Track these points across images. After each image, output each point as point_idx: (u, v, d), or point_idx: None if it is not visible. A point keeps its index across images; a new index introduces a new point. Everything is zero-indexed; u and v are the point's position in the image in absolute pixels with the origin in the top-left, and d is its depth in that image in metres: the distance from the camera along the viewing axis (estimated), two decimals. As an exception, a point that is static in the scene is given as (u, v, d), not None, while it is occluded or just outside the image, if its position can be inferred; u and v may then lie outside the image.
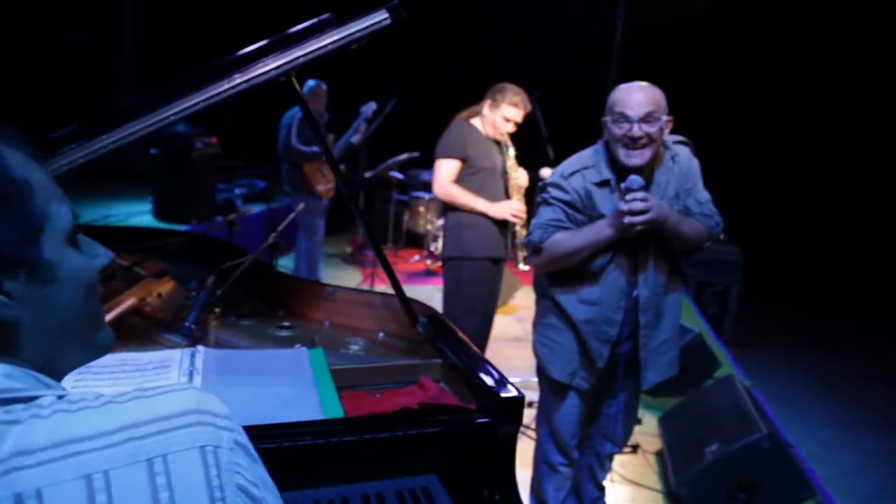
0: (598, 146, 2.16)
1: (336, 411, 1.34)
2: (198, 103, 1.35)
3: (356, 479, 1.30)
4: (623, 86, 2.08)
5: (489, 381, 1.39)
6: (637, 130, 1.97)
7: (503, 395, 1.34)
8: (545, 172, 3.49)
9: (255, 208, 6.22)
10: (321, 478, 1.27)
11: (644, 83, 2.07)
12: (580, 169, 2.12)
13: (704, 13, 7.69)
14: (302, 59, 1.39)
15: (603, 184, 2.10)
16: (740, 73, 7.78)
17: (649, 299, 2.15)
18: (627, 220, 1.94)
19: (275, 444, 1.19)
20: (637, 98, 2.00)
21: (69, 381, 1.23)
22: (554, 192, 2.14)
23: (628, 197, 1.95)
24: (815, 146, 7.80)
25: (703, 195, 2.23)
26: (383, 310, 1.95)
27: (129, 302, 1.89)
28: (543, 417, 2.38)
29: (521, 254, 3.41)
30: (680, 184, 2.17)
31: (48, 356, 0.63)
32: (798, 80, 7.69)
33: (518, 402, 1.33)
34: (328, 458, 1.26)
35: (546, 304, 2.28)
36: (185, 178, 5.53)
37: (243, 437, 0.62)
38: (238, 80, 1.39)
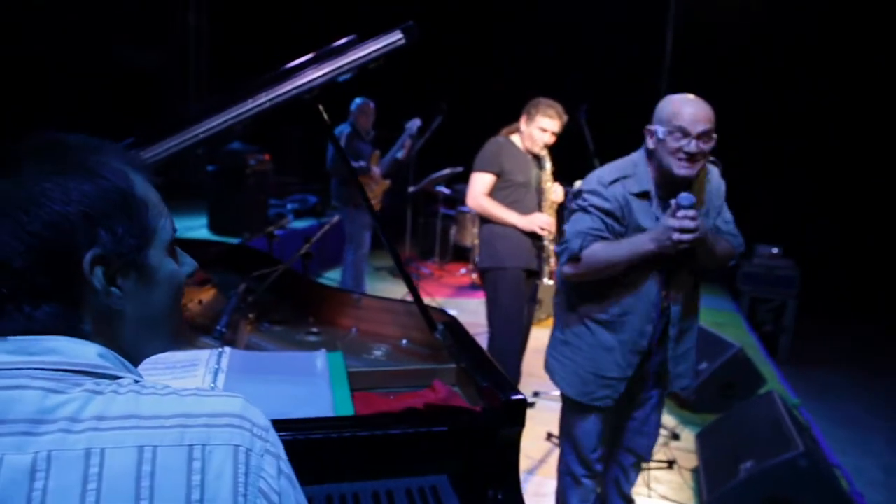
0: (639, 156, 2.11)
1: (346, 410, 1.42)
2: (226, 121, 1.46)
3: (367, 477, 1.37)
4: (677, 97, 2.04)
5: (494, 383, 1.44)
6: (694, 147, 1.95)
7: (506, 397, 1.38)
8: (579, 185, 3.51)
9: (305, 223, 6.43)
10: (333, 474, 1.34)
11: (696, 97, 2.04)
12: (620, 178, 2.07)
13: (757, 23, 7.52)
14: (320, 80, 1.49)
15: (642, 195, 2.07)
16: (795, 83, 7.56)
17: (678, 313, 2.17)
18: (676, 236, 1.92)
19: (288, 436, 1.27)
20: (696, 113, 1.97)
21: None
22: (593, 199, 2.08)
23: (680, 214, 1.92)
24: (874, 155, 7.48)
25: (729, 215, 2.25)
26: (407, 318, 2.03)
27: (170, 307, 2.02)
28: (566, 430, 2.37)
29: (548, 268, 3.44)
30: (713, 201, 2.19)
31: (135, 343, 0.76)
32: (854, 89, 7.41)
33: (520, 405, 1.38)
34: (337, 455, 1.33)
35: (566, 319, 2.25)
36: (238, 194, 5.77)
37: (277, 449, 0.71)
38: (263, 100, 1.50)
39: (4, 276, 0.66)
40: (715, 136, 2.01)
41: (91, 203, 0.69)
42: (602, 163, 5.42)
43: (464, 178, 6.77)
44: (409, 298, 1.84)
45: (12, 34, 5.46)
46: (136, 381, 0.70)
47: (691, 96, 2.04)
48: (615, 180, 2.07)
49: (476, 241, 6.83)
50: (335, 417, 1.38)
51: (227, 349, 1.59)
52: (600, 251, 2.04)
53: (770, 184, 7.56)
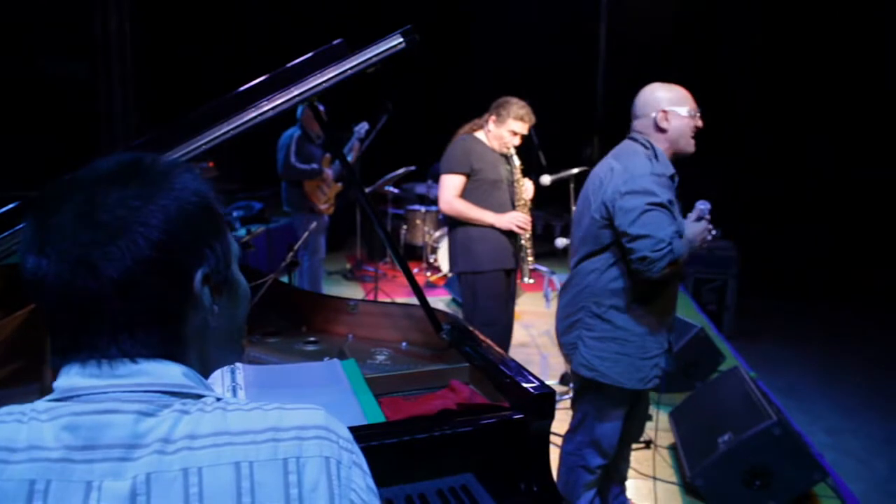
0: (648, 145, 2.19)
1: (377, 416, 1.40)
2: (228, 132, 1.42)
3: (398, 481, 1.37)
4: (664, 84, 2.22)
5: (521, 379, 1.46)
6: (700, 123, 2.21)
7: (535, 391, 1.40)
8: (545, 180, 3.56)
9: (255, 229, 6.27)
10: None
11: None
12: (660, 173, 2.12)
13: (685, 14, 7.84)
14: (324, 85, 1.47)
15: (672, 177, 2.18)
16: (724, 70, 7.93)
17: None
18: (709, 237, 2.14)
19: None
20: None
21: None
22: (660, 191, 2.07)
23: (707, 216, 2.14)
24: (803, 137, 7.95)
25: None
26: (403, 320, 2.02)
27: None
28: (588, 425, 2.37)
29: (527, 267, 3.45)
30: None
31: (215, 357, 0.76)
32: (785, 74, 7.84)
33: (550, 397, 1.40)
34: (373, 461, 1.32)
35: (605, 316, 2.24)
36: (184, 204, 5.55)
37: (362, 461, 0.72)
38: (266, 107, 1.46)
39: (122, 301, 0.65)
40: None
41: (194, 222, 0.69)
42: (547, 157, 5.52)
43: (412, 177, 6.80)
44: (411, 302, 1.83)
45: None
46: (218, 399, 0.69)
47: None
48: (664, 174, 2.14)
49: (427, 240, 6.86)
50: (371, 425, 1.36)
51: (239, 365, 1.54)
52: (682, 251, 2.09)
53: (709, 168, 7.91)
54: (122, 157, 0.71)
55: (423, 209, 7.01)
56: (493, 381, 1.55)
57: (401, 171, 6.05)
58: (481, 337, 1.75)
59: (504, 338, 3.59)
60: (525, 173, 3.61)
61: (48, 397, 0.66)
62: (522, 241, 3.39)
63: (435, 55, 8.51)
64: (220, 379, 1.47)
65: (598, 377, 2.25)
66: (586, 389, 2.36)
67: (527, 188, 3.47)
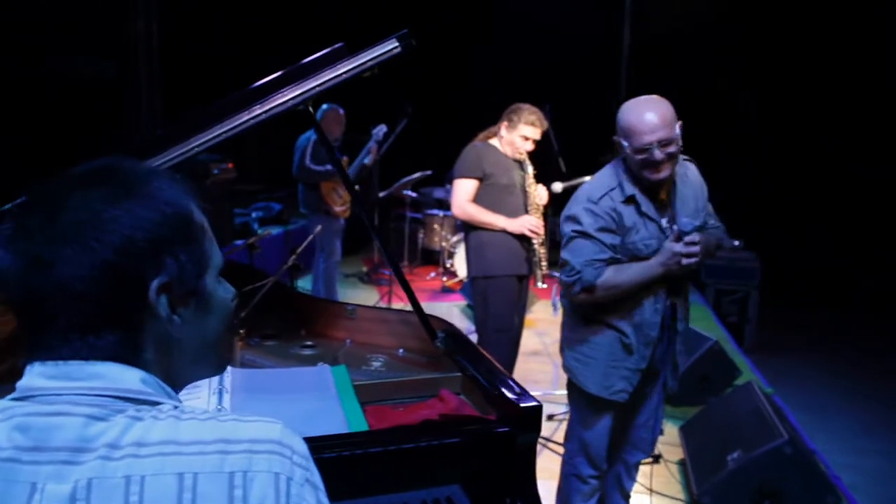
0: (616, 165, 2.18)
1: (360, 425, 1.39)
2: (220, 135, 1.42)
3: (382, 490, 1.34)
4: (632, 106, 2.08)
5: (508, 391, 1.43)
6: (659, 155, 2.01)
7: (522, 404, 1.37)
8: (557, 187, 3.53)
9: (272, 231, 6.32)
10: (349, 490, 1.31)
11: (651, 98, 2.09)
12: (607, 192, 2.12)
13: (710, 17, 7.73)
14: (318, 89, 1.46)
15: (629, 200, 2.13)
16: (752, 77, 7.79)
17: (682, 306, 2.27)
18: (685, 261, 2.02)
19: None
20: (651, 122, 2.01)
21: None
22: (587, 220, 2.10)
23: (687, 239, 2.03)
24: (829, 147, 7.77)
25: (711, 208, 2.37)
26: (402, 326, 2.01)
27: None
28: (575, 432, 2.37)
29: (540, 272, 3.43)
30: (698, 198, 2.27)
31: (185, 369, 0.75)
32: (813, 82, 7.67)
33: (536, 411, 1.37)
34: (354, 470, 1.30)
35: (578, 318, 2.27)
36: (202, 204, 5.62)
37: (316, 479, 0.69)
38: (258, 111, 1.46)
39: (73, 303, 0.65)
40: (678, 134, 2.05)
41: (159, 230, 0.68)
42: (567, 163, 5.49)
43: (431, 181, 6.80)
44: (384, 305, 1.81)
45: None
46: (176, 407, 0.68)
47: (645, 100, 2.08)
48: (603, 195, 2.13)
49: (444, 245, 6.85)
50: (351, 434, 1.34)
51: (229, 368, 1.54)
52: (612, 278, 2.09)
53: (730, 177, 7.78)
54: (102, 161, 0.72)
55: (441, 214, 6.99)
56: (482, 392, 1.53)
57: (416, 175, 6.05)
58: (476, 346, 1.73)
59: (514, 344, 3.56)
60: (545, 179, 3.59)
61: (9, 396, 0.67)
62: (535, 246, 3.38)
63: (456, 59, 8.51)
64: (207, 382, 1.47)
65: (572, 377, 2.29)
66: (570, 392, 2.38)
67: (540, 194, 3.47)
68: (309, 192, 5.04)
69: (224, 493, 0.62)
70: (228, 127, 1.42)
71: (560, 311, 2.44)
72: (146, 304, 0.68)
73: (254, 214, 6.73)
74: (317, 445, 1.28)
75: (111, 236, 0.66)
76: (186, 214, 0.72)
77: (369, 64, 1.50)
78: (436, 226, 6.98)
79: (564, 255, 2.16)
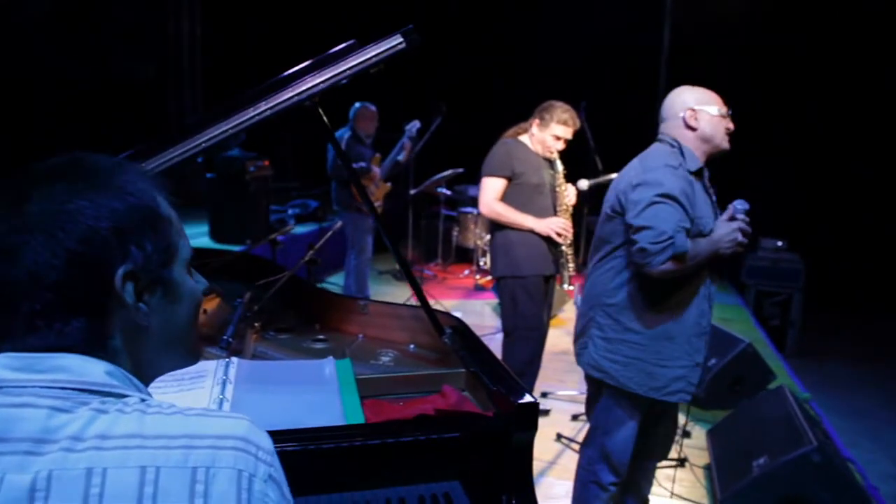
0: (673, 144, 2.15)
1: (357, 418, 1.40)
2: (224, 131, 1.44)
3: (379, 484, 1.35)
4: (696, 87, 2.19)
5: (505, 388, 1.42)
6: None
7: (518, 401, 1.36)
8: (583, 184, 3.48)
9: (306, 228, 6.42)
10: (345, 483, 1.32)
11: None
12: (678, 165, 2.08)
13: (756, 14, 7.50)
14: (321, 86, 1.48)
15: (698, 173, 2.13)
16: (798, 75, 7.54)
17: (714, 297, 2.22)
18: (740, 238, 2.01)
19: (300, 447, 1.26)
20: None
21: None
22: (671, 183, 2.00)
23: (740, 217, 2.02)
24: (880, 146, 7.46)
25: None
26: (413, 322, 2.01)
27: (175, 318, 2.01)
28: (598, 438, 2.29)
29: (567, 273, 3.39)
30: None
31: (155, 359, 0.77)
32: (860, 78, 7.38)
33: (532, 409, 1.36)
34: (349, 463, 1.31)
35: (615, 316, 2.18)
36: (239, 201, 5.75)
37: (279, 475, 0.70)
38: (263, 108, 1.48)
39: (38, 292, 0.66)
40: None
41: (122, 220, 0.70)
42: (603, 160, 5.38)
43: (464, 180, 6.80)
44: (415, 302, 1.82)
45: (6, 48, 5.47)
46: (143, 400, 0.69)
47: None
48: (678, 165, 2.09)
49: (479, 243, 6.84)
50: (347, 426, 1.36)
51: (235, 360, 1.57)
52: (692, 249, 2.00)
53: (774, 176, 7.54)
54: (69, 155, 0.73)
55: (475, 212, 6.98)
56: (484, 389, 1.52)
57: (448, 172, 6.05)
58: (482, 343, 1.72)
59: (541, 343, 3.54)
60: (580, 176, 3.55)
61: None
62: (563, 248, 3.34)
63: (494, 56, 8.48)
64: (212, 372, 1.50)
65: (605, 378, 2.19)
66: (595, 395, 2.30)
67: (569, 194, 3.42)
68: (341, 189, 5.10)
69: (186, 488, 0.62)
70: (233, 124, 1.44)
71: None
72: (112, 292, 0.69)
73: (290, 212, 6.85)
74: (313, 436, 1.30)
75: (75, 226, 0.67)
76: (152, 205, 0.74)
77: (373, 60, 1.51)
78: (470, 224, 6.97)
79: (643, 221, 1.98)
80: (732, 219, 2.03)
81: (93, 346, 0.69)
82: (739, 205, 2.04)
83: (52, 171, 0.71)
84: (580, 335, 2.30)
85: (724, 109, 2.15)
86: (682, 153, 2.12)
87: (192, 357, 0.83)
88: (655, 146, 2.19)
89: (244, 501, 0.64)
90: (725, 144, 2.16)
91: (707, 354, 2.24)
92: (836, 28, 7.26)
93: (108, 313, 0.70)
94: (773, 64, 7.53)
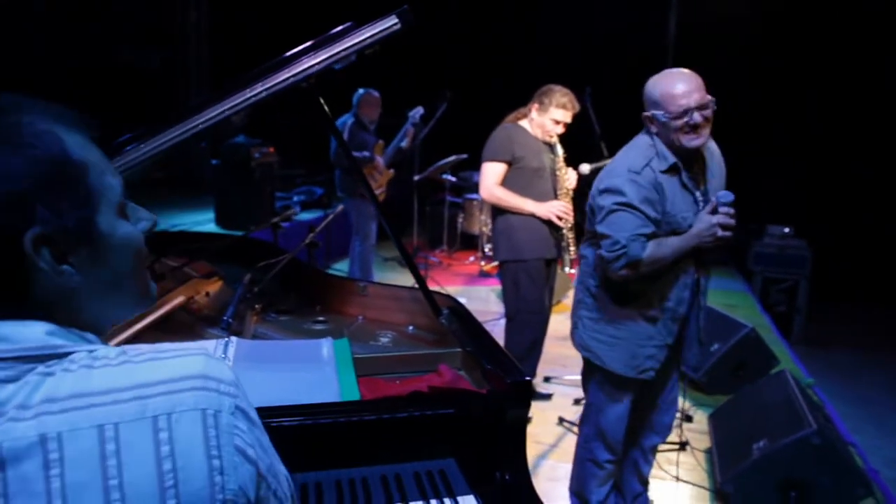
0: (649, 137, 2.13)
1: (353, 395, 1.42)
2: (221, 112, 1.46)
3: (375, 461, 1.37)
4: (661, 76, 2.08)
5: (499, 367, 1.43)
6: (698, 118, 2.01)
7: (511, 379, 1.38)
8: (584, 168, 3.47)
9: (312, 214, 6.44)
10: (343, 460, 1.34)
11: (677, 69, 2.09)
12: (648, 162, 2.08)
13: (758, 2, 7.43)
14: (315, 68, 1.48)
15: (671, 170, 2.09)
16: (804, 62, 7.47)
17: (706, 282, 2.23)
18: (721, 233, 1.99)
19: (296, 421, 1.28)
20: (688, 87, 2.01)
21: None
22: (630, 191, 2.04)
23: (722, 210, 1.99)
24: (889, 134, 7.38)
25: None
26: (412, 304, 2.03)
27: (177, 300, 2.04)
28: (592, 416, 2.35)
29: (569, 257, 3.40)
30: (722, 175, 2.24)
31: (99, 314, 0.71)
32: (872, 67, 7.30)
33: (526, 386, 1.37)
34: (346, 439, 1.33)
35: (597, 295, 2.24)
36: (244, 187, 5.79)
37: (245, 403, 0.67)
38: (259, 89, 1.49)
39: None
40: (712, 99, 2.04)
41: (21, 178, 0.61)
42: (608, 146, 5.41)
43: (469, 166, 6.80)
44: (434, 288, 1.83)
45: (15, 36, 5.49)
46: (90, 353, 0.64)
47: (673, 70, 2.09)
48: (645, 166, 2.07)
49: (484, 229, 6.84)
50: (342, 402, 1.38)
51: (234, 339, 1.59)
52: (655, 252, 2.06)
53: (781, 163, 7.49)
54: None
55: (480, 198, 6.97)
56: (479, 368, 1.54)
57: (451, 158, 6.04)
58: (479, 323, 1.73)
59: (544, 327, 3.55)
60: (585, 161, 3.54)
61: None
62: (564, 231, 3.35)
63: (498, 42, 8.44)
64: (211, 351, 1.52)
65: (592, 358, 2.26)
66: (587, 374, 2.36)
67: (570, 177, 3.42)
68: (345, 176, 5.11)
69: (149, 439, 0.60)
70: (229, 105, 1.45)
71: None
72: (24, 259, 0.63)
73: (295, 198, 6.88)
74: (310, 412, 1.32)
75: None
76: (59, 154, 0.64)
77: (369, 41, 1.52)
78: (475, 210, 6.98)
79: (603, 229, 2.08)
80: (715, 211, 2.02)
81: (22, 315, 0.64)
82: (723, 197, 2.01)
83: None
84: (572, 314, 2.36)
85: (677, 108, 2.01)
86: (661, 147, 2.09)
87: (142, 302, 0.76)
88: (637, 139, 2.17)
89: (213, 439, 0.62)
90: (686, 144, 2.04)
91: (689, 337, 2.25)
92: (846, 14, 7.18)
93: (29, 281, 0.64)
94: (783, 49, 7.46)
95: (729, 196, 2.00)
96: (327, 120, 1.66)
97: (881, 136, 7.41)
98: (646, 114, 2.10)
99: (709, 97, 2.03)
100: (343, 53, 1.49)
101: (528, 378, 1.38)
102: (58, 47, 5.92)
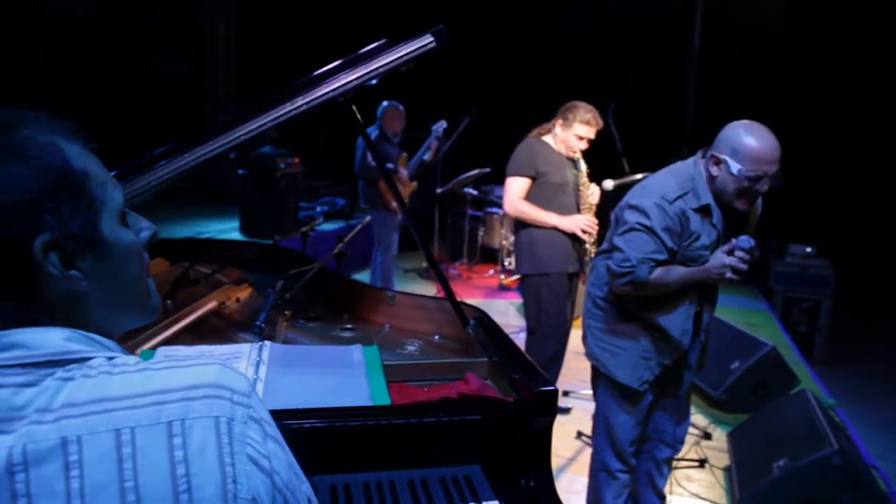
0: (695, 170, 2.13)
1: (384, 400, 1.46)
2: (262, 125, 1.52)
3: (403, 466, 1.41)
4: (753, 130, 2.03)
5: (526, 375, 1.47)
6: (765, 187, 2.02)
7: (538, 388, 1.41)
8: (608, 184, 3.51)
9: (334, 225, 6.52)
10: (371, 463, 1.39)
11: (770, 132, 2.04)
12: (682, 194, 2.10)
13: (786, 17, 7.42)
14: (354, 83, 1.55)
15: (702, 210, 2.10)
16: (829, 79, 7.44)
17: (709, 320, 2.30)
18: (729, 275, 2.01)
19: (327, 423, 1.32)
20: (774, 155, 2.00)
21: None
22: (655, 216, 2.07)
23: (737, 254, 2.01)
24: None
25: None
26: (439, 314, 2.07)
27: (210, 305, 2.10)
28: (602, 425, 2.40)
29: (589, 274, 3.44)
30: (754, 222, 2.32)
31: (106, 320, 0.74)
32: (892, 82, 7.26)
33: (552, 395, 1.41)
34: (375, 442, 1.38)
35: (605, 308, 2.31)
36: (269, 197, 5.88)
37: (258, 413, 0.69)
38: (300, 103, 1.55)
39: None
40: None
41: (28, 187, 0.65)
42: (630, 163, 5.42)
43: (491, 179, 6.85)
44: (441, 296, 1.87)
45: (44, 49, 5.66)
46: (110, 359, 0.67)
47: (766, 132, 2.03)
48: (679, 197, 2.09)
49: (504, 243, 6.88)
50: (371, 406, 1.42)
51: (268, 343, 1.64)
52: (661, 277, 2.10)
53: (803, 182, 7.45)
54: None
55: (501, 212, 7.02)
56: (505, 377, 1.57)
57: (474, 172, 6.10)
58: (505, 334, 1.77)
59: (564, 341, 3.58)
60: (608, 177, 3.58)
61: None
62: (587, 245, 3.39)
63: (522, 57, 8.51)
64: (246, 354, 1.58)
65: (599, 367, 2.33)
66: (595, 382, 2.42)
67: (593, 192, 3.46)
68: (369, 187, 5.18)
69: (164, 444, 0.62)
70: (270, 118, 1.52)
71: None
72: (34, 266, 0.66)
73: (318, 209, 6.97)
74: (342, 415, 1.37)
75: None
76: (61, 164, 0.67)
77: (405, 58, 1.58)
78: (496, 224, 7.01)
79: (620, 242, 2.13)
80: (731, 253, 2.03)
81: (36, 321, 0.66)
82: (743, 242, 2.02)
83: None
84: (583, 323, 2.44)
85: (750, 170, 1.99)
86: (694, 186, 2.10)
87: (150, 310, 0.79)
88: (680, 167, 2.18)
89: (226, 446, 0.64)
90: (737, 205, 2.07)
91: (682, 360, 2.30)
92: (878, 25, 7.15)
93: (40, 287, 0.67)
94: (806, 68, 7.44)
95: (749, 242, 2.00)
96: (360, 129, 1.72)
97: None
98: (716, 154, 2.07)
99: None
100: (381, 70, 1.55)
101: (555, 388, 1.41)
102: (90, 56, 6.09)
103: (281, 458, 0.69)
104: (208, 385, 0.67)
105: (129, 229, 0.76)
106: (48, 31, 5.69)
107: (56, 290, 0.68)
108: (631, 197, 2.18)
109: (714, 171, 2.08)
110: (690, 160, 2.18)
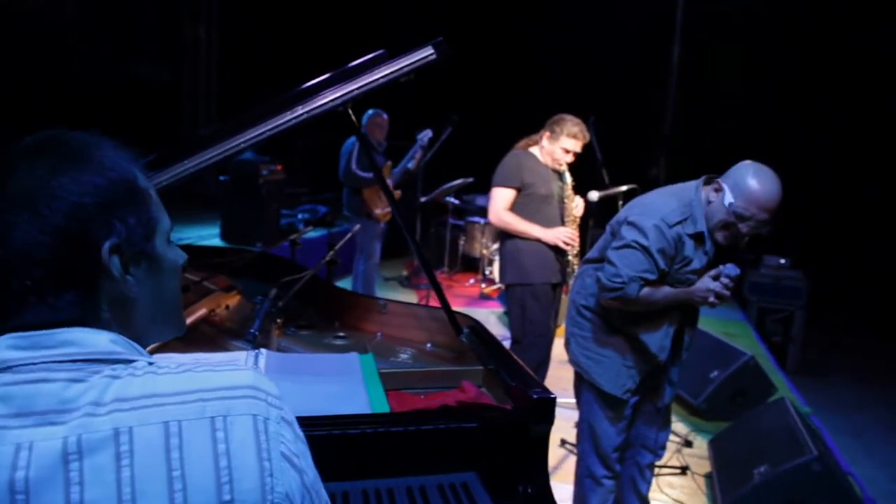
0: (697, 195, 2.16)
1: (382, 407, 1.47)
2: (265, 132, 1.53)
3: (401, 473, 1.42)
4: (768, 179, 2.04)
5: (524, 384, 1.49)
6: (745, 229, 2.06)
7: (536, 396, 1.43)
8: (593, 195, 3.56)
9: (315, 233, 6.50)
10: (369, 471, 1.39)
11: (776, 178, 2.06)
12: (682, 220, 2.13)
13: (761, 33, 7.61)
14: (355, 92, 1.56)
15: (696, 236, 2.15)
16: (802, 94, 7.64)
17: (690, 339, 2.37)
18: (712, 299, 2.07)
19: (325, 431, 1.33)
20: (776, 204, 2.03)
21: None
22: (653, 237, 2.11)
23: (723, 280, 2.06)
24: (880, 166, 7.54)
25: None
26: (431, 322, 2.09)
27: (200, 312, 2.09)
28: (587, 432, 2.44)
29: (573, 281, 3.47)
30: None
31: (146, 329, 0.79)
32: (865, 99, 7.47)
33: (550, 403, 1.43)
34: (373, 450, 1.38)
35: (589, 317, 2.35)
36: (251, 204, 5.85)
37: (289, 416, 0.74)
38: (300, 111, 1.56)
39: (28, 268, 0.69)
40: None
41: (105, 195, 0.72)
42: (610, 175, 5.46)
43: (473, 189, 6.89)
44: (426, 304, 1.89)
45: (26, 52, 5.58)
46: (150, 364, 0.72)
47: (772, 181, 2.05)
48: (678, 222, 2.14)
49: (485, 252, 6.91)
50: (369, 414, 1.43)
51: (264, 351, 1.64)
52: (648, 295, 2.15)
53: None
54: (48, 132, 0.75)
55: (482, 221, 7.06)
56: (501, 384, 1.59)
57: (457, 181, 6.13)
58: (498, 342, 1.79)
59: (548, 350, 3.61)
60: (588, 189, 3.63)
61: None
62: (570, 257, 3.42)
63: (504, 68, 8.59)
64: (243, 362, 1.57)
65: (582, 373, 2.38)
66: (579, 388, 2.45)
67: (578, 205, 3.50)
68: (353, 195, 5.18)
69: (208, 437, 0.67)
70: (271, 126, 1.52)
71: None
72: (100, 266, 0.72)
73: (300, 216, 6.94)
74: (341, 423, 1.37)
75: (60, 203, 0.69)
76: (131, 179, 0.75)
77: (406, 69, 1.60)
78: (477, 233, 7.05)
79: (613, 256, 2.16)
80: (716, 278, 2.08)
81: (87, 319, 0.72)
82: (729, 270, 2.07)
83: (31, 149, 0.73)
84: (566, 329, 2.48)
85: (751, 214, 2.02)
86: (692, 212, 2.14)
87: (178, 326, 0.85)
88: (685, 191, 2.20)
89: (263, 442, 0.69)
90: (717, 237, 2.13)
91: (667, 368, 2.36)
92: (849, 43, 7.35)
93: (97, 287, 0.73)
94: (781, 80, 7.63)
95: (735, 270, 2.05)
96: (356, 131, 1.73)
97: (878, 169, 7.55)
98: (720, 182, 2.11)
99: None
100: (381, 81, 1.57)
101: (552, 396, 1.43)
102: (69, 58, 6.01)
103: (308, 458, 0.75)
104: (247, 387, 0.72)
105: (174, 250, 0.83)
106: (28, 34, 5.60)
107: (111, 290, 0.74)
108: (631, 213, 2.20)
109: (712, 196, 2.13)
110: (693, 184, 2.22)
